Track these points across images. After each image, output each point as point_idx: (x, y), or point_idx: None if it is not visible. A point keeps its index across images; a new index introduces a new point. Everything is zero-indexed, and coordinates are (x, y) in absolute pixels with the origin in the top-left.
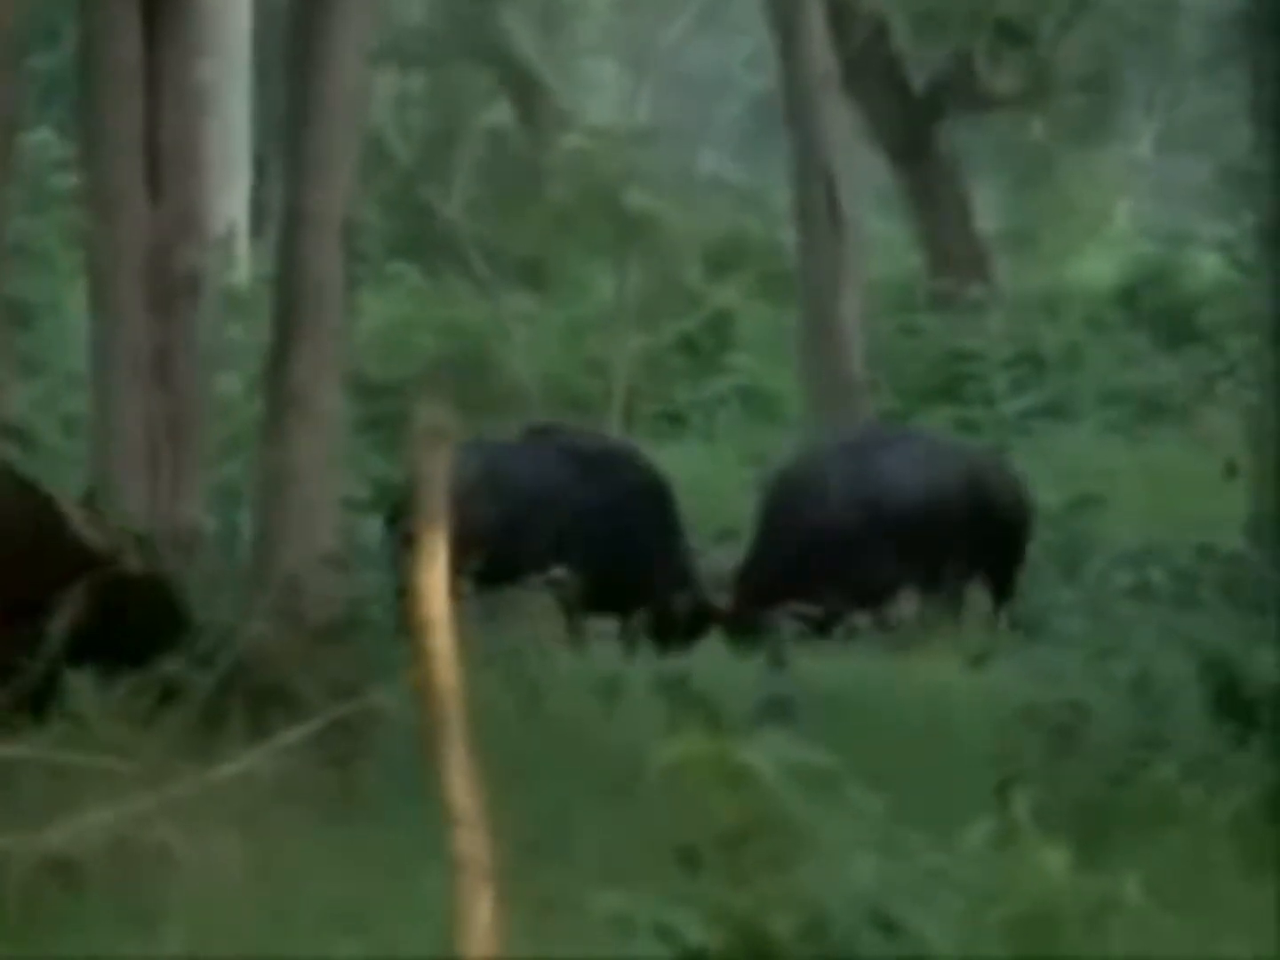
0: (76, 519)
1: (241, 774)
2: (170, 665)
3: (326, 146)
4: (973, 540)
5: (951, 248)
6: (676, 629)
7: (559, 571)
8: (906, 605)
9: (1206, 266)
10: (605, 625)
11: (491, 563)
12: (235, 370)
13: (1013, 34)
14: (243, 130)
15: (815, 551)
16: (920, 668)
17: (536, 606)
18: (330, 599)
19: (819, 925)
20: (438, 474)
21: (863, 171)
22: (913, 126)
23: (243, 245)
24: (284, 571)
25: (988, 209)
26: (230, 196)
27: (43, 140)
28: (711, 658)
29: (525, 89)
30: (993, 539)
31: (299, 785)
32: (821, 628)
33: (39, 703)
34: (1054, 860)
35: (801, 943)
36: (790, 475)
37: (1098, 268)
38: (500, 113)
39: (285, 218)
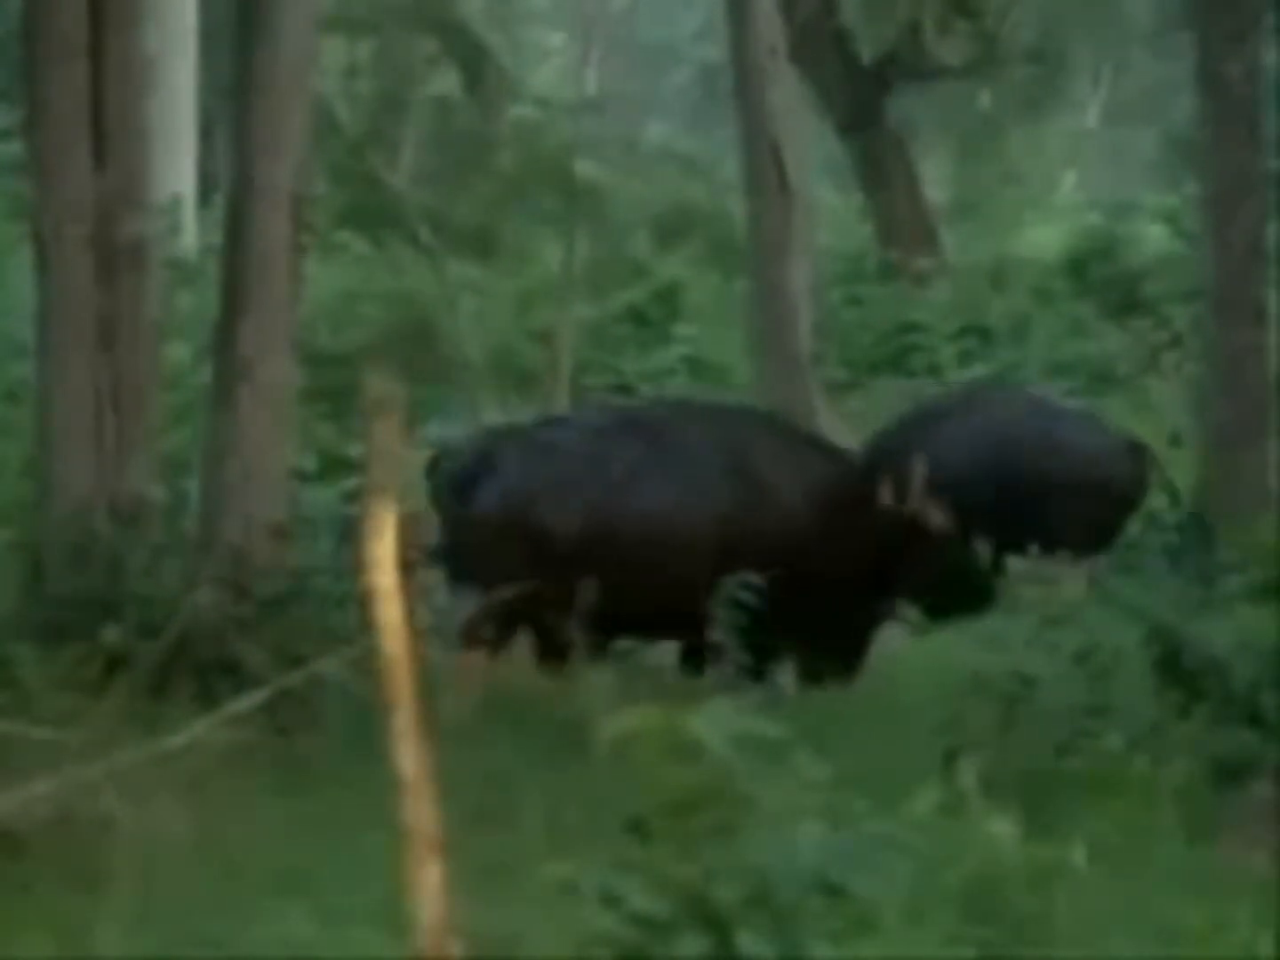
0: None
1: (188, 743)
2: (114, 634)
3: (275, 116)
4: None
5: (899, 219)
6: None
7: None
8: None
9: (1152, 237)
10: None
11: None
12: (183, 340)
13: (960, 5)
14: (189, 100)
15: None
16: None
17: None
18: (277, 569)
19: (765, 893)
20: (388, 444)
21: (811, 142)
22: (861, 97)
23: (190, 215)
24: (231, 541)
25: (936, 180)
26: (177, 167)
27: None
28: None
29: (472, 58)
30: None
31: (246, 754)
32: None
33: None
34: (1001, 828)
35: (748, 910)
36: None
37: (1045, 238)
38: (447, 82)
39: (233, 188)
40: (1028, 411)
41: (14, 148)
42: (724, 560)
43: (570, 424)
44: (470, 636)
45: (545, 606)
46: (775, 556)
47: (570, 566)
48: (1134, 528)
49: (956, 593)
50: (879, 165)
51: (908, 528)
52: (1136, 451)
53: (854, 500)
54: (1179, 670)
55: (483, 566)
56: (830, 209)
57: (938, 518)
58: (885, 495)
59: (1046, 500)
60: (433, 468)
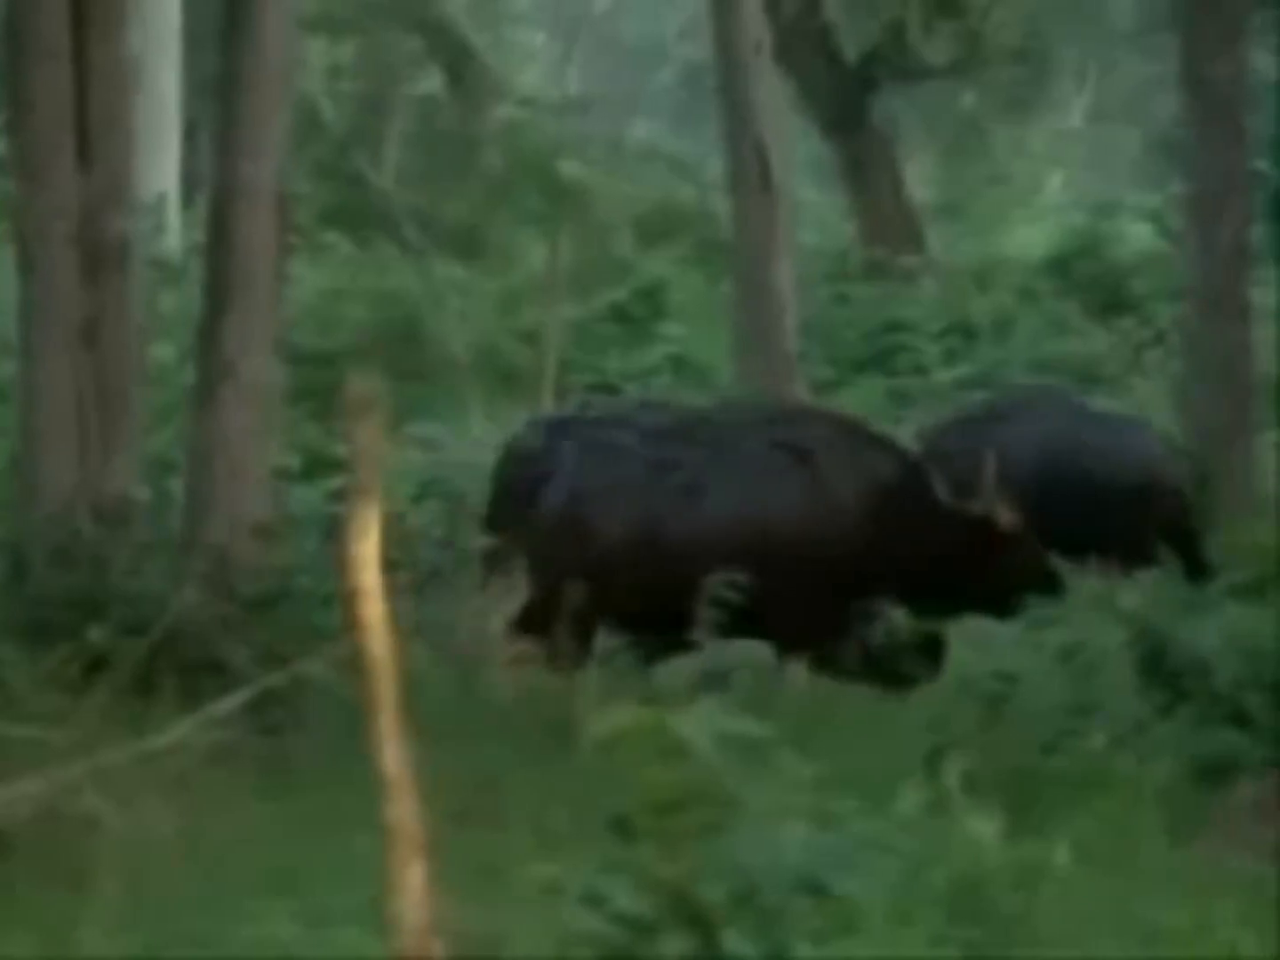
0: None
1: (173, 743)
2: (98, 634)
3: (258, 115)
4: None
5: (884, 218)
6: None
7: None
8: None
9: (1136, 236)
10: None
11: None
12: (167, 340)
13: (944, 4)
14: (173, 100)
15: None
16: None
17: None
18: (261, 568)
19: (750, 893)
20: (371, 444)
21: (795, 141)
22: (845, 97)
23: (174, 215)
24: (216, 541)
25: (920, 179)
26: (160, 166)
27: None
28: None
29: (456, 58)
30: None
31: (230, 754)
32: None
33: None
34: (985, 827)
35: (732, 910)
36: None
37: (1029, 238)
38: (431, 82)
39: (217, 187)
40: (1082, 418)
41: None
42: (790, 562)
43: (633, 425)
44: (519, 631)
45: (602, 607)
46: (841, 558)
47: (630, 568)
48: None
49: (1023, 585)
50: (863, 164)
51: (978, 527)
52: (1191, 460)
53: (921, 500)
54: (1164, 669)
55: (545, 565)
56: (815, 208)
57: (1007, 516)
58: (945, 493)
59: (1103, 508)
60: (503, 467)
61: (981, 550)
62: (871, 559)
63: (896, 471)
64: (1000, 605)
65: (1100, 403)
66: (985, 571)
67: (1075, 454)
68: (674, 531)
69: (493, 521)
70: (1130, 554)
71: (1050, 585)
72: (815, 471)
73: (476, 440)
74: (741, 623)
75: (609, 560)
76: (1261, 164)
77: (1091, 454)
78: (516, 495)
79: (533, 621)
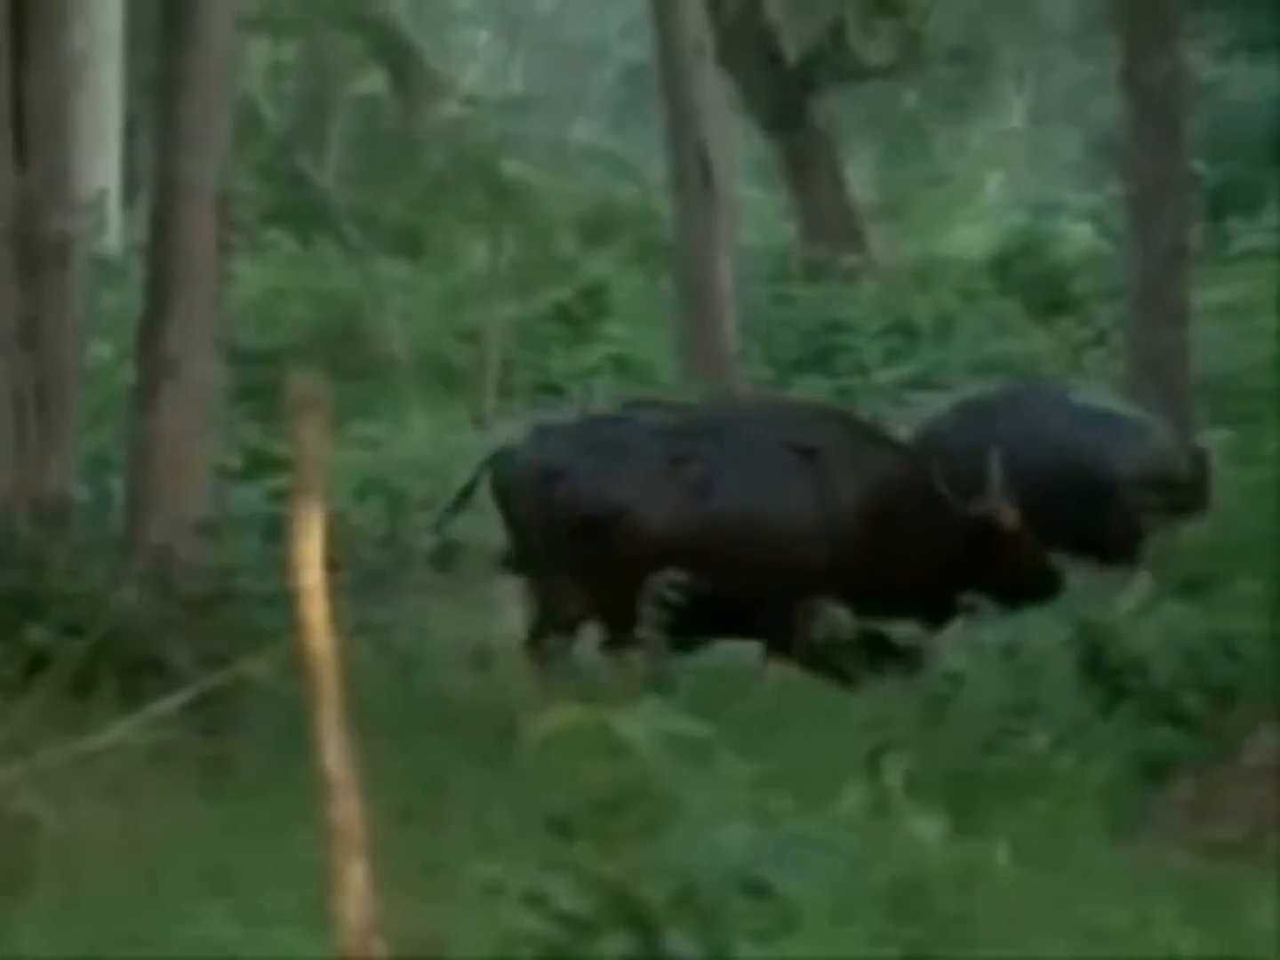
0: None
1: (113, 743)
2: (37, 633)
3: (199, 115)
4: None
5: (825, 218)
6: None
7: None
8: None
9: (1076, 236)
10: None
11: None
12: (106, 338)
13: (885, 5)
14: (114, 98)
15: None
16: None
17: None
18: (202, 568)
19: (690, 892)
20: (313, 443)
21: (737, 141)
22: (786, 96)
23: (114, 213)
24: (156, 540)
25: (861, 179)
26: (101, 164)
27: None
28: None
29: (398, 57)
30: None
31: (171, 754)
32: None
33: None
34: (926, 826)
35: (673, 910)
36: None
37: (969, 238)
38: (373, 81)
39: (158, 186)
40: (1081, 414)
41: None
42: (798, 560)
43: (642, 424)
44: (535, 639)
45: (617, 605)
46: (849, 556)
47: (646, 566)
48: None
49: (1026, 584)
50: (804, 164)
51: (981, 525)
52: (1197, 457)
53: (927, 498)
54: (1103, 668)
55: (564, 563)
56: (756, 207)
57: (1010, 515)
58: (950, 493)
59: (1103, 505)
60: (494, 465)
61: (984, 550)
62: (875, 558)
63: (902, 470)
64: (1002, 604)
65: (1097, 398)
66: (989, 571)
67: (1073, 449)
68: (686, 530)
69: (513, 523)
70: (1130, 550)
71: (1051, 585)
72: (821, 470)
73: (417, 438)
74: (735, 622)
75: (632, 559)
76: (1199, 164)
77: (1090, 449)
78: (524, 498)
79: (549, 626)
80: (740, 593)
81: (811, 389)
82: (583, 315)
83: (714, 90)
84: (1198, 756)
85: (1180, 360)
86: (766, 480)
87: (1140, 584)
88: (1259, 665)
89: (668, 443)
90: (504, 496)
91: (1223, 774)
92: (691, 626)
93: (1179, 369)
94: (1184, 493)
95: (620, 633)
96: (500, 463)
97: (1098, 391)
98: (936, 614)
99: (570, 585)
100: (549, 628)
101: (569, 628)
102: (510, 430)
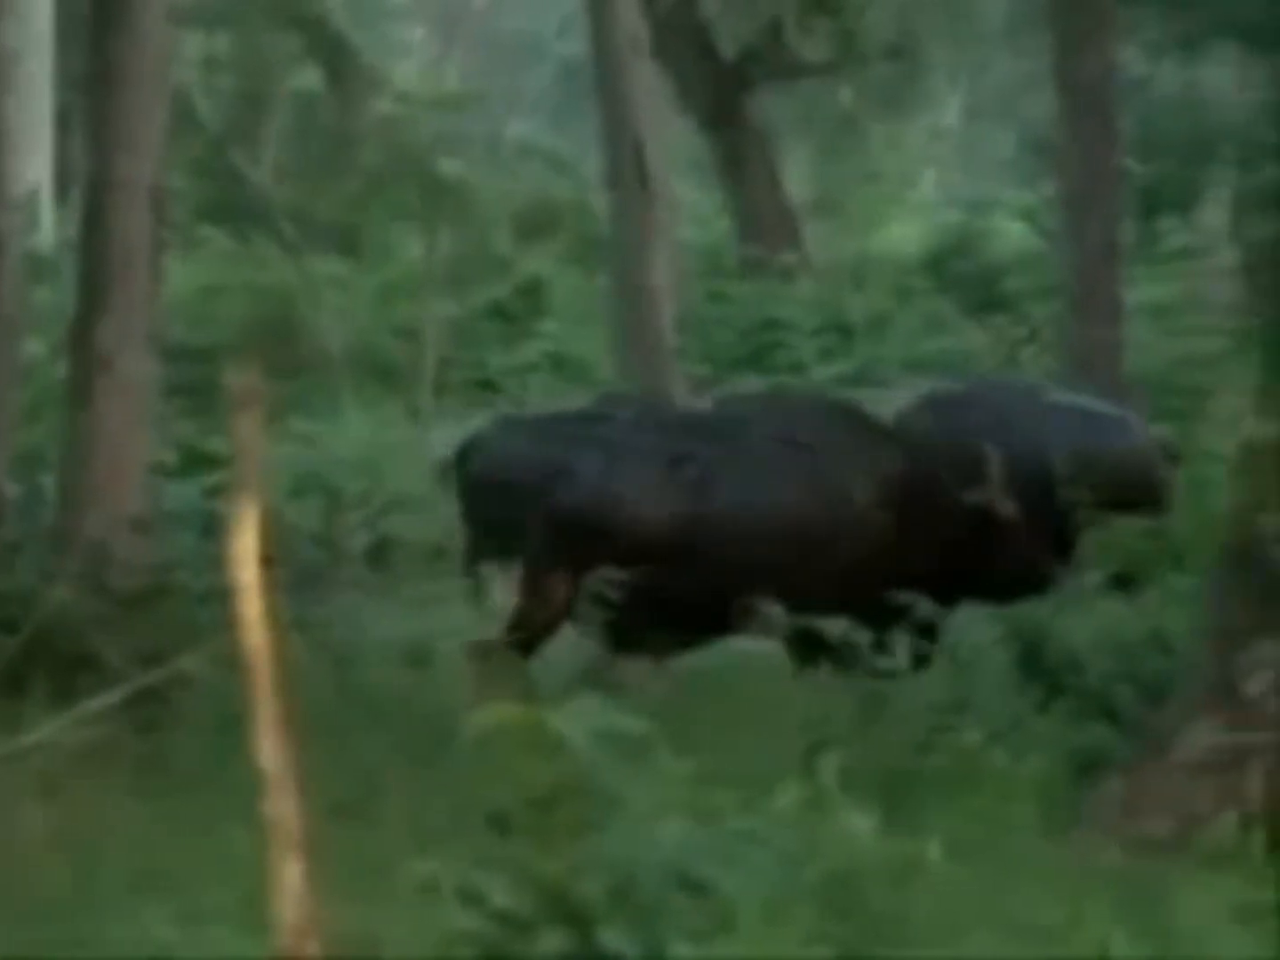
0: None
1: (46, 741)
2: None
3: (133, 110)
4: None
5: (761, 215)
6: None
7: None
8: None
9: (1010, 234)
10: None
11: None
12: (39, 335)
13: (821, 3)
14: (46, 94)
15: None
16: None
17: None
18: (138, 564)
19: (627, 887)
20: (251, 439)
21: (673, 138)
22: (722, 93)
23: (47, 210)
24: (90, 536)
25: (797, 177)
26: (34, 160)
27: None
28: None
29: (334, 53)
30: None
31: (105, 752)
32: None
33: None
34: (861, 823)
35: (610, 905)
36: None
37: (904, 236)
38: (309, 77)
39: (91, 182)
40: (1053, 409)
41: None
42: (801, 555)
43: (646, 421)
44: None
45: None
46: (851, 549)
47: (649, 563)
48: None
49: (1023, 577)
50: (740, 161)
51: (981, 518)
52: (1166, 452)
53: (928, 491)
54: (1038, 665)
55: (564, 561)
56: (692, 204)
57: (1008, 508)
58: (952, 484)
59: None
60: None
61: (984, 541)
62: (878, 551)
63: (903, 463)
64: (1000, 596)
65: (1067, 392)
66: (988, 563)
67: (1044, 443)
68: (688, 526)
69: (476, 520)
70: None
71: (1047, 580)
72: (822, 464)
73: (353, 435)
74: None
75: (632, 555)
76: (1131, 162)
77: (1061, 444)
78: (495, 494)
79: (532, 621)
80: (738, 590)
81: (748, 386)
82: (519, 312)
83: (650, 87)
84: (1131, 753)
85: (1113, 357)
86: (765, 476)
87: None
88: (1191, 661)
89: (667, 440)
90: (474, 490)
91: (1154, 770)
92: (691, 625)
93: (1112, 366)
94: (1156, 489)
95: (612, 631)
96: (470, 456)
97: (1068, 386)
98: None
99: (562, 581)
100: (535, 622)
101: (554, 623)
102: (455, 427)
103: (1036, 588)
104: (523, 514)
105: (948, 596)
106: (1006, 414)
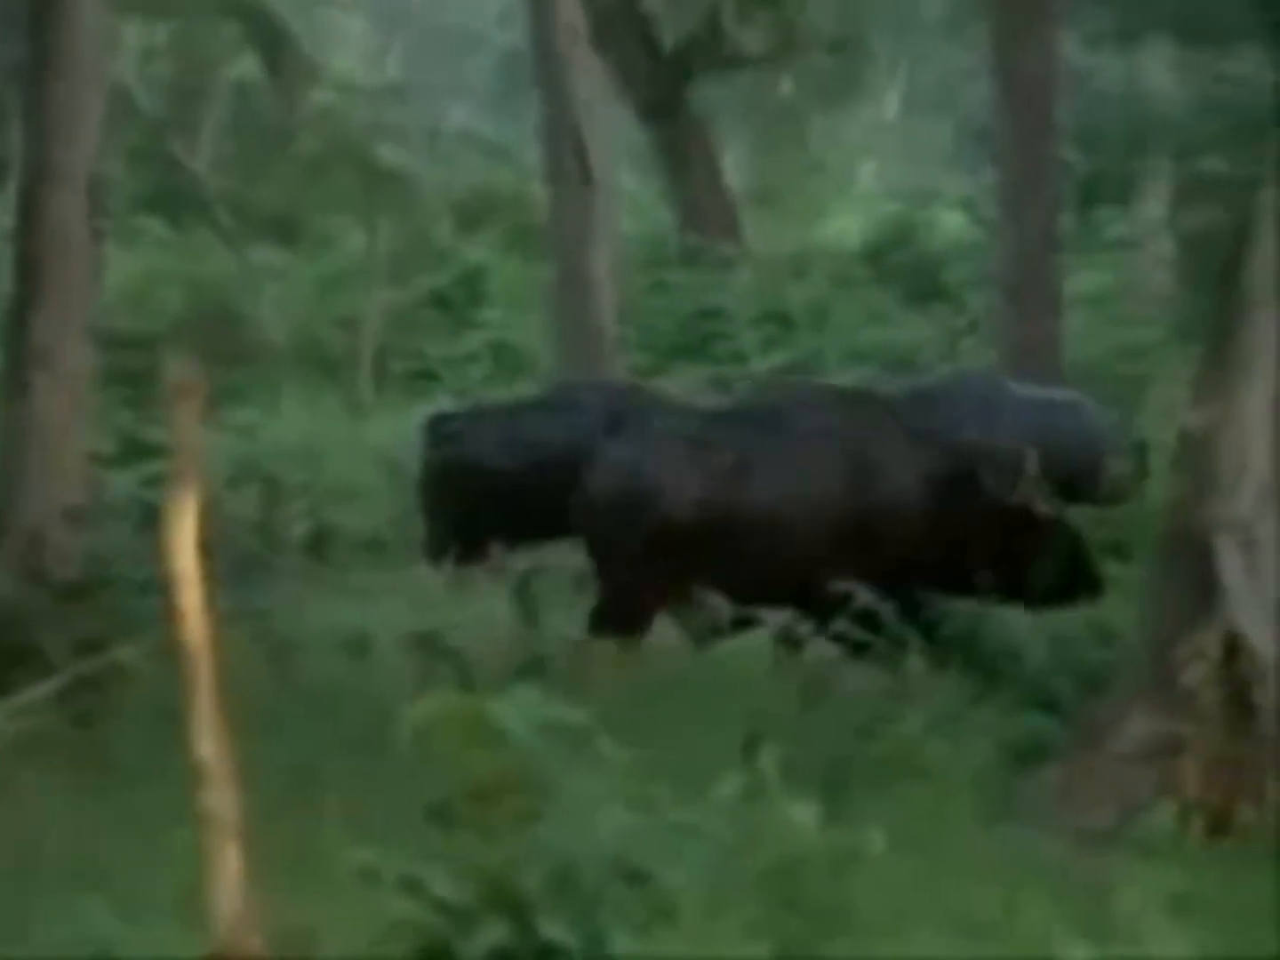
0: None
1: None
2: None
3: (70, 99)
4: None
5: (701, 205)
6: None
7: None
8: None
9: (949, 225)
10: None
11: None
12: None
13: None
14: None
15: None
16: None
17: None
18: (75, 555)
19: (567, 878)
20: (190, 429)
21: (612, 128)
22: (662, 84)
23: None
24: (28, 527)
25: (737, 167)
26: None
27: None
28: (464, 614)
29: (272, 42)
30: None
31: (41, 743)
32: None
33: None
34: (801, 813)
35: (550, 896)
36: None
37: (844, 227)
38: (248, 66)
39: (28, 171)
40: (1025, 402)
41: None
42: (839, 548)
43: (686, 410)
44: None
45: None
46: (889, 543)
47: (685, 554)
48: None
49: (1067, 580)
50: (680, 152)
51: (1016, 516)
52: (1138, 447)
53: (965, 488)
54: (977, 655)
55: (598, 551)
56: (631, 194)
57: (1044, 506)
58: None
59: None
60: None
61: (1021, 539)
62: (918, 546)
63: (944, 460)
64: (1039, 602)
65: (1037, 385)
66: (1025, 564)
67: (1017, 437)
68: (728, 512)
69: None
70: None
71: (1092, 584)
72: (864, 457)
73: (292, 425)
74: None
75: (673, 542)
76: (1069, 153)
77: (1034, 437)
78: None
79: (614, 613)
80: (775, 579)
81: (688, 376)
82: (460, 302)
83: (590, 77)
84: (1068, 743)
85: (1051, 347)
86: (801, 467)
87: None
88: (1129, 651)
89: (703, 428)
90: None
91: (1091, 760)
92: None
93: (1050, 356)
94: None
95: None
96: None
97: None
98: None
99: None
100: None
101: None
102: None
103: (1084, 592)
104: (494, 503)
105: (987, 593)
106: (975, 407)
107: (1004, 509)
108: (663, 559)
